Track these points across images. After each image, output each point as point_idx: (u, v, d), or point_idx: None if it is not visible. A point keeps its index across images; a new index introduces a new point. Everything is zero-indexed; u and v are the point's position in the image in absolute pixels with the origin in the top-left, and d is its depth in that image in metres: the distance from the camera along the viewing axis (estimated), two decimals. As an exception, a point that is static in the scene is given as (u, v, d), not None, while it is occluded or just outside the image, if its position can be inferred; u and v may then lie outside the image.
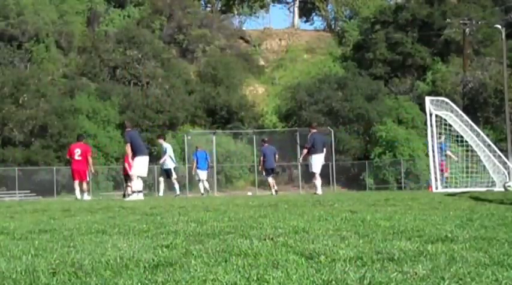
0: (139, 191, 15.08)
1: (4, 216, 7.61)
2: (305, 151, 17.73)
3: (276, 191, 20.33)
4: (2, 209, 9.46)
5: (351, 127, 43.86)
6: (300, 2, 65.88)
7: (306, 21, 68.69)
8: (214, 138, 33.43)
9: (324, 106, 44.09)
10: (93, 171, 18.62)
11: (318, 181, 17.22)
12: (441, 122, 17.30)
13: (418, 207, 7.59)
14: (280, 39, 59.93)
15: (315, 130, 17.85)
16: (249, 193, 30.25)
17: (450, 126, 17.33)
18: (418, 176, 38.72)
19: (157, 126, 42.57)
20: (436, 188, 16.38)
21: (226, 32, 55.18)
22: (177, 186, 19.91)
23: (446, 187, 17.28)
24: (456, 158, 18.79)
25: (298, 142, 29.77)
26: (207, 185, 21.91)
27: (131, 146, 14.95)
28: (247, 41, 58.47)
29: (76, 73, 46.36)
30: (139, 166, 15.02)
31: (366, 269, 2.96)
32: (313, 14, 67.58)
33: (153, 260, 3.31)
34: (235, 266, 3.11)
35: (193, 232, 4.78)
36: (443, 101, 17.69)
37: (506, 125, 35.82)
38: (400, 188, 37.32)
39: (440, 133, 17.57)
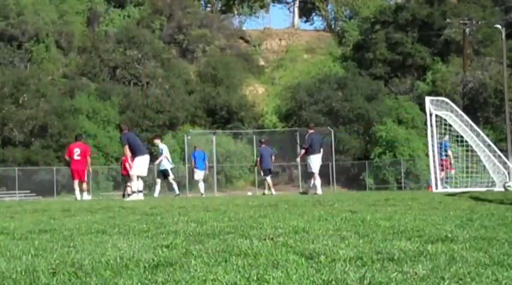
0: (139, 191, 15.08)
1: (4, 216, 7.61)
2: (303, 151, 17.78)
3: (264, 193, 20.64)
4: (2, 209, 9.46)
5: (351, 127, 43.86)
6: (300, 2, 65.90)
7: (306, 21, 68.81)
8: (214, 138, 33.42)
9: (324, 106, 44.09)
10: (90, 171, 18.60)
11: (318, 181, 17.22)
12: (441, 122, 17.30)
13: (418, 207, 7.59)
14: (280, 39, 59.95)
15: (312, 131, 17.89)
16: (249, 193, 30.24)
17: (450, 126, 17.33)
18: (418, 176, 38.72)
19: (157, 126, 42.59)
20: (436, 188, 16.38)
21: (226, 32, 55.19)
22: (175, 186, 19.92)
23: (445, 187, 17.28)
24: (453, 160, 18.84)
25: (298, 142, 29.81)
26: (202, 186, 21.98)
27: (130, 147, 14.94)
28: (247, 41, 58.48)
29: (76, 73, 46.37)
30: (140, 165, 15.02)
31: (366, 269, 2.96)
32: (313, 14, 67.63)
33: (153, 260, 3.31)
34: (235, 266, 3.11)
35: (193, 232, 4.78)
36: (443, 101, 17.69)
37: (506, 125, 35.81)
38: (400, 188, 37.31)
39: (444, 133, 17.61)
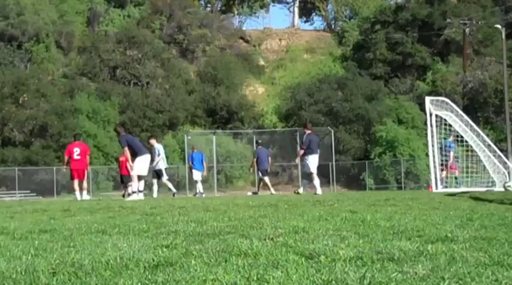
0: (139, 191, 15.09)
1: (4, 216, 7.61)
2: (301, 151, 17.79)
3: (255, 193, 20.71)
4: (2, 209, 9.46)
5: (351, 127, 43.85)
6: (300, 2, 65.91)
7: (306, 21, 68.82)
8: (214, 138, 33.43)
9: (324, 106, 44.09)
10: (88, 170, 18.65)
11: (317, 181, 17.22)
12: (441, 122, 17.31)
13: (418, 207, 7.59)
14: (280, 39, 59.96)
15: (309, 131, 17.90)
16: (249, 193, 30.22)
17: (450, 126, 17.34)
18: (418, 176, 38.72)
19: (157, 126, 42.59)
20: (437, 188, 16.38)
21: (226, 32, 55.21)
22: (170, 185, 20.01)
23: (446, 186, 17.29)
24: (453, 161, 18.85)
25: (298, 142, 29.82)
26: (200, 186, 22.02)
27: (130, 149, 14.95)
28: (247, 41, 58.49)
29: (76, 73, 46.38)
30: (140, 165, 15.04)
31: (366, 269, 2.96)
32: (313, 14, 67.65)
33: (153, 260, 3.31)
34: (235, 266, 3.11)
35: (193, 232, 4.78)
36: (443, 101, 17.70)
37: (506, 125, 35.79)
38: (400, 188, 37.29)
39: (449, 135, 17.64)
